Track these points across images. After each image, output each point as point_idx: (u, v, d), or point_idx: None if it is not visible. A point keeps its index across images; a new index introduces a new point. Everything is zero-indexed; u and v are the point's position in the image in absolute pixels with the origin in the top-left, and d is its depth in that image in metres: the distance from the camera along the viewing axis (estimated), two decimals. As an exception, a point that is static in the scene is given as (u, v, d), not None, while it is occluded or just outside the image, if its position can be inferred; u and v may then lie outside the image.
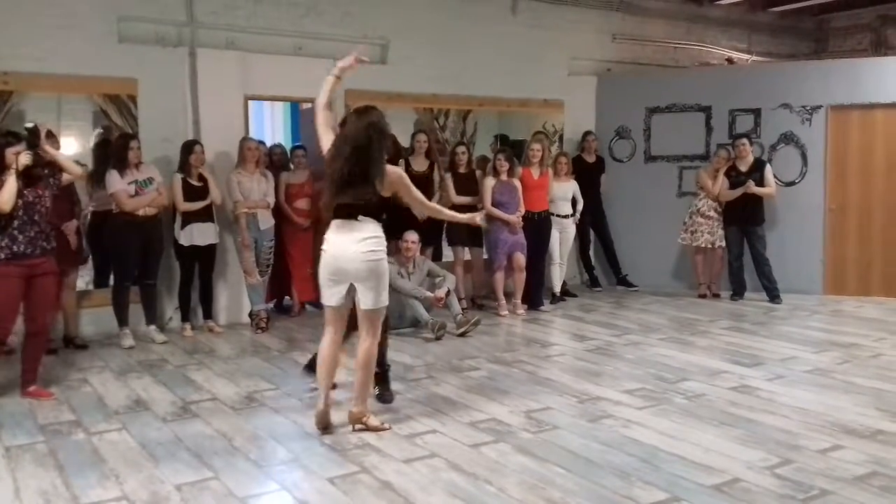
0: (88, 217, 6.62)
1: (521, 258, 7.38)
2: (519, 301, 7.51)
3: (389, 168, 4.15)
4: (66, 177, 5.00)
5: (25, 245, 4.70)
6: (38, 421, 4.45)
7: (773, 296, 7.90)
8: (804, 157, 8.29)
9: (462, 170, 7.48)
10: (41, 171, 4.78)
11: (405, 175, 4.31)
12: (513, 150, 7.85)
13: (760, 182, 7.89)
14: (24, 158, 4.61)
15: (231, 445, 4.06)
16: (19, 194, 4.61)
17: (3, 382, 5.08)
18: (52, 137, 5.88)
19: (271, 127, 10.81)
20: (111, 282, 6.43)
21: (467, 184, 7.45)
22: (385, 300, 4.19)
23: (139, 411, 4.64)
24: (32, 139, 4.70)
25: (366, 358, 4.19)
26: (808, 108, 8.26)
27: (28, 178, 4.68)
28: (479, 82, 8.22)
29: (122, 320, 6.30)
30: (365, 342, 4.18)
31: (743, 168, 7.97)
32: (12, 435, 4.23)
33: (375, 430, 4.20)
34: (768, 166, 8.05)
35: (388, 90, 7.63)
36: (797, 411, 4.53)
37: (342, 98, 7.52)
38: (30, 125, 4.77)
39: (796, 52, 10.98)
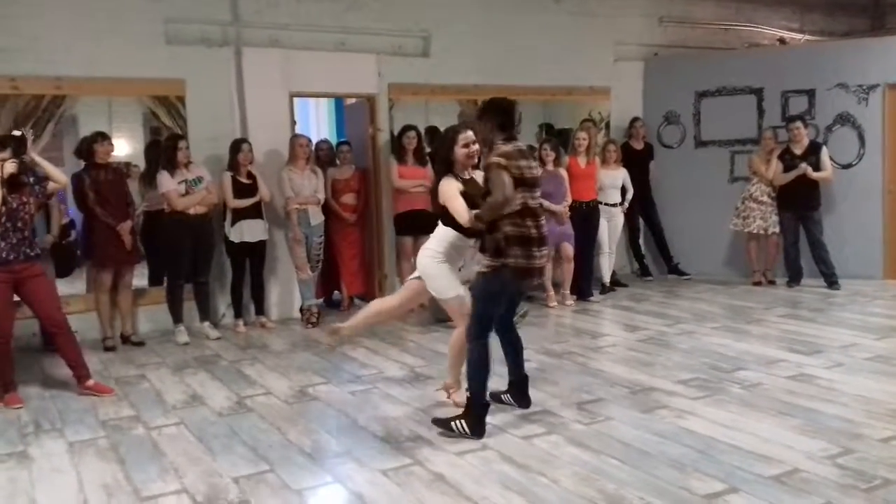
0: (141, 217, 6.78)
1: (568, 248, 7.32)
2: (567, 292, 7.45)
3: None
4: (52, 185, 5.02)
5: (8, 251, 4.72)
6: (100, 417, 4.57)
7: (831, 282, 7.69)
8: (861, 137, 8.04)
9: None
10: (26, 179, 4.82)
11: (446, 190, 4.24)
12: (559, 138, 7.77)
13: (817, 165, 7.68)
14: (10, 166, 4.65)
15: (285, 439, 4.12)
16: (3, 201, 4.66)
17: (65, 380, 5.22)
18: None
19: (316, 123, 10.90)
20: (165, 280, 6.57)
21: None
22: (440, 294, 4.41)
23: (196, 406, 4.73)
24: (19, 147, 4.74)
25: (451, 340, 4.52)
26: (864, 87, 8.00)
27: (12, 185, 4.72)
28: (522, 72, 8.14)
29: (177, 317, 6.44)
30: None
31: (798, 151, 7.76)
32: (75, 431, 4.35)
33: (456, 404, 4.36)
34: (824, 149, 7.82)
35: (430, 83, 7.65)
36: (858, 399, 4.40)
37: (385, 92, 7.57)
38: (17, 133, 4.81)
39: (851, 29, 10.62)
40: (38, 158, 4.95)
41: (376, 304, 5.02)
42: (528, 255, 4.00)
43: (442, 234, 4.38)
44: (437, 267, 4.38)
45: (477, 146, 4.26)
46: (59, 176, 5.12)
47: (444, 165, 4.31)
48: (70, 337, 5.09)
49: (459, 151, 4.24)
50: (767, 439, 3.85)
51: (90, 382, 5.02)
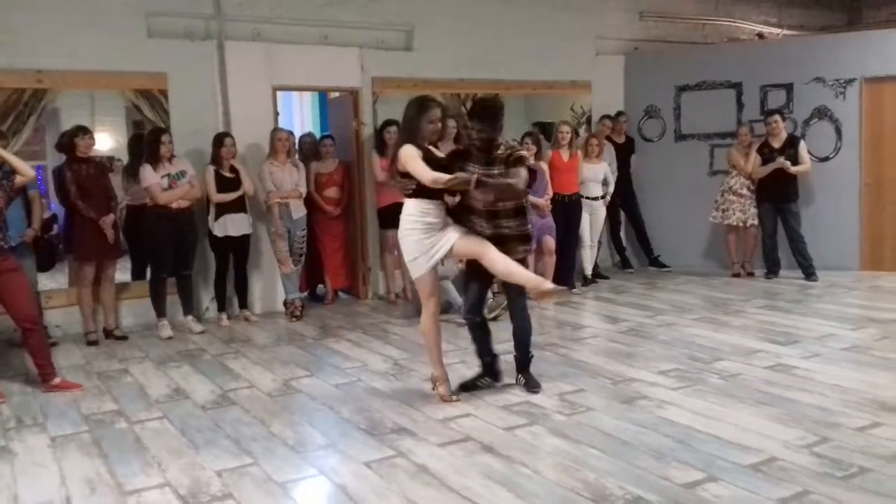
0: (124, 211, 6.75)
1: (550, 241, 7.35)
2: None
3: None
4: (19, 178, 4.92)
5: None
6: (82, 411, 4.56)
7: (809, 273, 7.80)
8: (838, 131, 8.14)
9: (490, 154, 7.44)
10: None
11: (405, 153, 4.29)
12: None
13: (795, 159, 7.76)
14: None
15: (269, 432, 4.13)
16: None
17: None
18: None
19: (300, 117, 10.87)
20: (148, 274, 6.54)
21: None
22: (413, 273, 4.41)
23: (179, 400, 4.73)
24: None
25: (420, 328, 4.51)
26: (841, 81, 8.10)
27: None
28: (505, 65, 8.17)
29: (160, 311, 6.42)
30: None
31: (776, 145, 7.84)
32: (57, 425, 4.34)
33: (441, 398, 4.47)
34: (802, 142, 7.91)
35: (413, 76, 7.65)
36: (835, 389, 4.48)
37: (369, 86, 7.57)
38: None
39: (829, 23, 10.74)
40: (2, 152, 4.89)
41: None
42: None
43: (410, 208, 4.37)
44: (408, 241, 4.36)
45: (440, 124, 4.38)
46: (26, 169, 4.98)
47: (407, 135, 4.34)
48: (42, 334, 5.06)
49: (426, 127, 4.31)
50: (745, 428, 3.92)
51: (56, 381, 4.96)
